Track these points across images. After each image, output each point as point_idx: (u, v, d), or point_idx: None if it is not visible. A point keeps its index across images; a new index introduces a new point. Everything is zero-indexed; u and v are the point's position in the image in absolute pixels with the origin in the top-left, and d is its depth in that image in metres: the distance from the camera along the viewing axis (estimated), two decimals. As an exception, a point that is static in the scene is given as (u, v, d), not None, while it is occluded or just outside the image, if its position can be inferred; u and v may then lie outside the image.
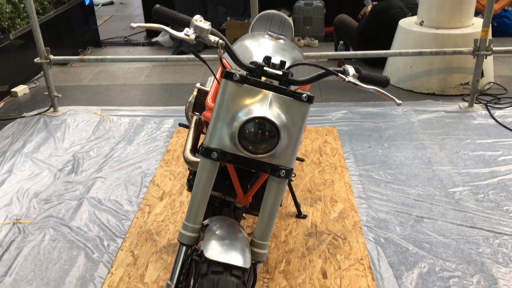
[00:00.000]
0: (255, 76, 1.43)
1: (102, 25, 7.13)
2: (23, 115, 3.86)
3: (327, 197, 2.66)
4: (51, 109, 3.87)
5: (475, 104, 3.74)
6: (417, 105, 3.82)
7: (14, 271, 2.20)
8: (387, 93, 1.47)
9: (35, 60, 3.67)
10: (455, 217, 2.49)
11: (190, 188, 1.84)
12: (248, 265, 1.34)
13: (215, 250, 1.35)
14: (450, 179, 2.81)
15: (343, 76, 1.44)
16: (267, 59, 1.48)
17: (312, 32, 5.95)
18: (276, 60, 1.54)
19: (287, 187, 2.70)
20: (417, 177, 2.85)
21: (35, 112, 3.89)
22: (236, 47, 1.91)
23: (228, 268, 1.32)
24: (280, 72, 1.45)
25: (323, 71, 1.46)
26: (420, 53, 3.69)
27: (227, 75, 1.38)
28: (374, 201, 2.63)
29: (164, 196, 2.71)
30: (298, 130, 1.42)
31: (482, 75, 3.89)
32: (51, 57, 3.67)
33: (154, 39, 5.98)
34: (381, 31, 4.52)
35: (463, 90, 3.94)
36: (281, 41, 1.93)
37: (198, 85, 2.01)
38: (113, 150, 3.25)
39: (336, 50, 4.97)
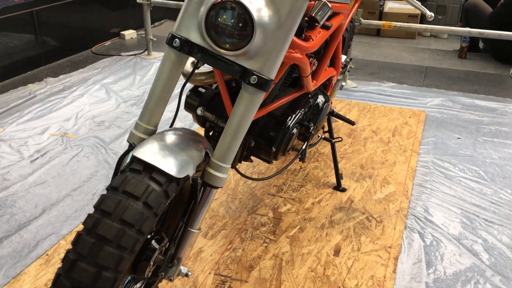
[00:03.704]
0: None
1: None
2: (120, 53, 4.01)
3: (380, 176, 2.24)
4: (146, 52, 3.97)
5: None
6: (541, 106, 3.10)
7: (37, 174, 2.23)
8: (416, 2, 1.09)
9: (138, 0, 3.77)
10: (538, 232, 1.91)
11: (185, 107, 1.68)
12: (179, 176, 1.09)
13: (147, 150, 1.12)
14: (550, 190, 2.19)
15: None
16: None
17: (444, 23, 5.28)
18: None
19: (330, 154, 2.34)
20: (506, 179, 2.27)
21: (131, 53, 4.02)
22: None
23: (150, 170, 1.08)
24: None
25: None
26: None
27: None
28: (437, 193, 2.15)
29: (206, 140, 2.55)
30: (285, 30, 1.12)
31: None
32: (152, -1, 3.74)
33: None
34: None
35: None
36: None
37: None
38: (180, 94, 3.19)
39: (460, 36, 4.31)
